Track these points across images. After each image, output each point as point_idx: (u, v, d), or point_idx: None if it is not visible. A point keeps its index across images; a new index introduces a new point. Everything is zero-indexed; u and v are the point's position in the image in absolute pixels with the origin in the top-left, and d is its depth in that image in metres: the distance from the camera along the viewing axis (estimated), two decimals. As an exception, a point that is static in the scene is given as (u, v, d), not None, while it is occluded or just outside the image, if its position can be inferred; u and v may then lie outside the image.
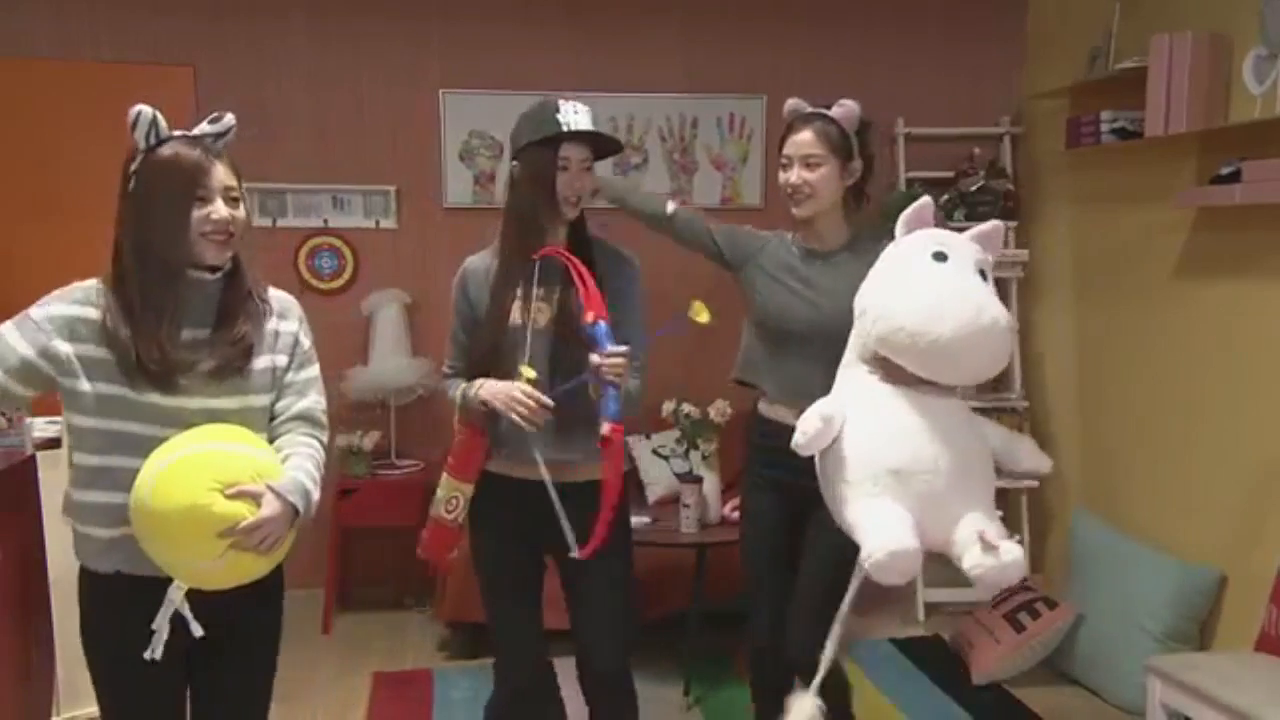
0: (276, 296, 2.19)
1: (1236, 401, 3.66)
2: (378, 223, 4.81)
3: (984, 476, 2.35)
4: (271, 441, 2.09)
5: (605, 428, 2.38)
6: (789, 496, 2.76)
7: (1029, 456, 2.42)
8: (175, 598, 1.97)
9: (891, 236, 2.43)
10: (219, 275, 2.08)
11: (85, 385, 1.97)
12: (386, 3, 4.75)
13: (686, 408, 4.02)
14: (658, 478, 4.62)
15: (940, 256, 2.31)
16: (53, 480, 2.87)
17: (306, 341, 2.20)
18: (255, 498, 1.91)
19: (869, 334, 2.36)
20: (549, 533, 2.53)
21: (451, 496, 2.56)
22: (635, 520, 4.04)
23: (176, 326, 2.00)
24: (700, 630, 4.03)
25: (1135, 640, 3.67)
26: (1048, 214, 4.83)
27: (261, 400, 2.09)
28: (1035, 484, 4.67)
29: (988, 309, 2.23)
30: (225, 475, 1.90)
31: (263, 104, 4.63)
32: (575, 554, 2.48)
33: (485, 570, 2.71)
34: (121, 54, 4.48)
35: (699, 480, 3.99)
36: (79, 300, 2.03)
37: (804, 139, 2.72)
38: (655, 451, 4.68)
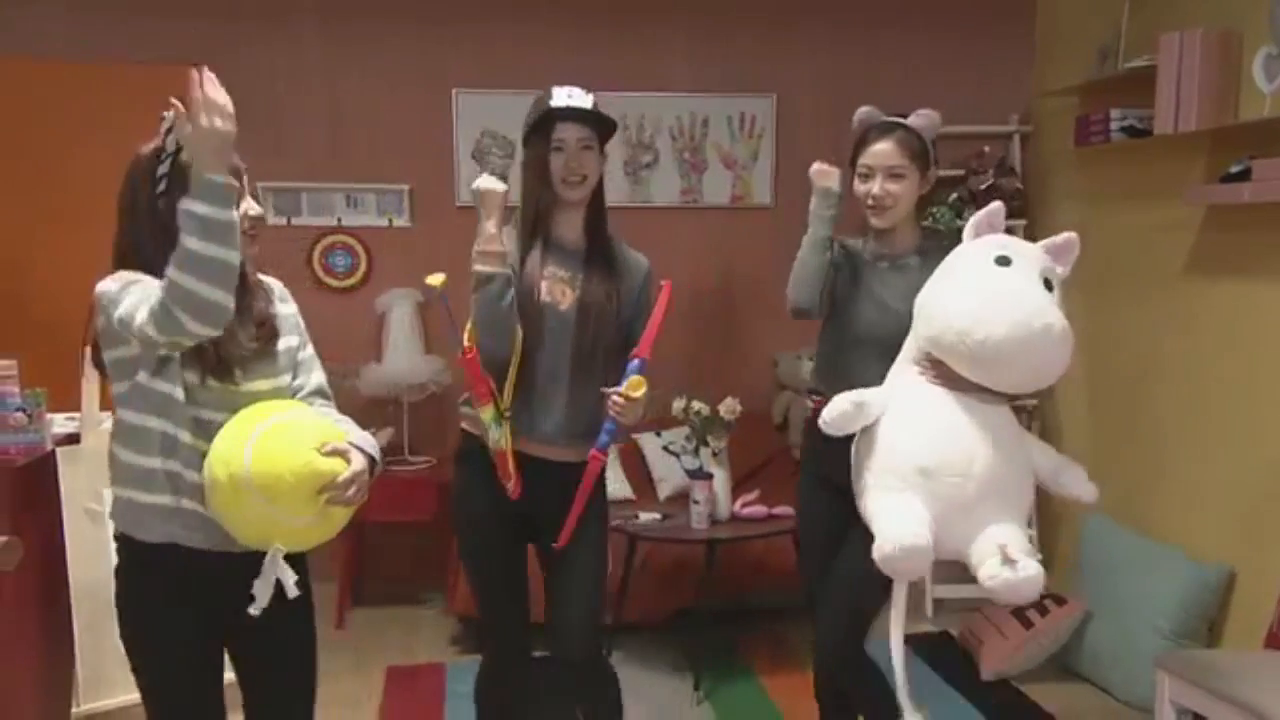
0: (270, 282, 2.27)
1: (1246, 399, 3.66)
2: (391, 221, 4.83)
3: (1019, 490, 2.35)
4: None
5: (593, 450, 2.53)
6: (845, 499, 2.67)
7: (1074, 483, 2.41)
8: (279, 559, 2.04)
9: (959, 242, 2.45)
10: None
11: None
12: (399, 4, 4.77)
13: (697, 405, 4.04)
14: (668, 474, 4.64)
15: (1003, 261, 2.32)
16: (71, 475, 2.90)
17: (302, 320, 2.30)
18: (344, 454, 2.03)
19: (923, 336, 2.38)
20: (533, 519, 2.62)
21: (484, 428, 2.56)
22: (646, 517, 4.08)
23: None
24: (710, 625, 4.05)
25: (1144, 637, 3.67)
26: (1057, 212, 4.83)
27: (285, 380, 2.19)
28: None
29: (1042, 315, 2.23)
30: (320, 436, 2.02)
31: (276, 104, 4.65)
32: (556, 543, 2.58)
33: (468, 552, 2.75)
34: (135, 54, 4.50)
35: (709, 477, 4.00)
36: (134, 277, 2.04)
37: (886, 150, 2.63)
38: (666, 449, 4.69)
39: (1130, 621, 3.76)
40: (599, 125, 2.61)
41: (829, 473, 2.69)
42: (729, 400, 4.08)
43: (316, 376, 2.27)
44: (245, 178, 2.12)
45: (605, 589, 2.77)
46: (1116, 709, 3.75)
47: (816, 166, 2.71)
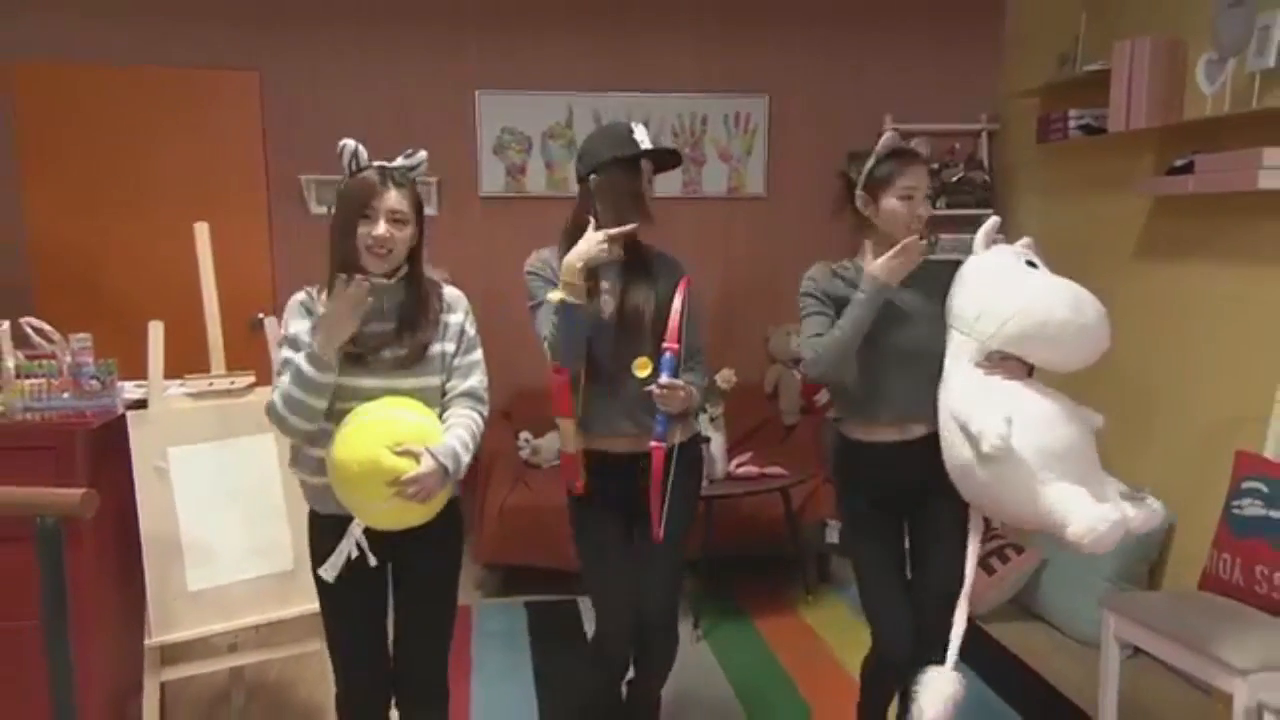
0: (448, 293, 2.37)
1: (1187, 368, 3.69)
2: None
3: (1094, 443, 2.43)
4: (443, 413, 2.27)
5: (652, 442, 2.51)
6: (893, 510, 2.64)
7: (1091, 416, 2.47)
8: (355, 532, 2.20)
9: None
10: (398, 280, 2.27)
11: None
12: (428, 13, 4.79)
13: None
14: (670, 438, 4.67)
15: (1032, 265, 2.46)
16: (140, 436, 2.91)
17: (471, 330, 2.35)
18: (416, 456, 2.10)
19: (995, 335, 2.40)
20: (634, 503, 2.60)
21: (565, 438, 2.61)
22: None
23: (362, 320, 2.20)
24: (708, 572, 4.09)
25: (1092, 581, 3.70)
26: (1021, 202, 4.84)
27: (434, 381, 2.27)
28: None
29: (1099, 303, 2.41)
30: (395, 436, 2.10)
31: (319, 103, 4.69)
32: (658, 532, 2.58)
33: (584, 530, 2.70)
34: (195, 60, 4.54)
35: (707, 441, 3.99)
36: (299, 314, 2.27)
37: (921, 173, 2.52)
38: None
39: (1080, 568, 3.79)
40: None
41: (872, 489, 2.62)
42: (725, 371, 4.11)
43: (471, 382, 2.30)
44: (381, 199, 2.24)
45: (683, 564, 2.74)
46: (1067, 645, 3.80)
47: (892, 263, 2.45)
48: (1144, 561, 3.74)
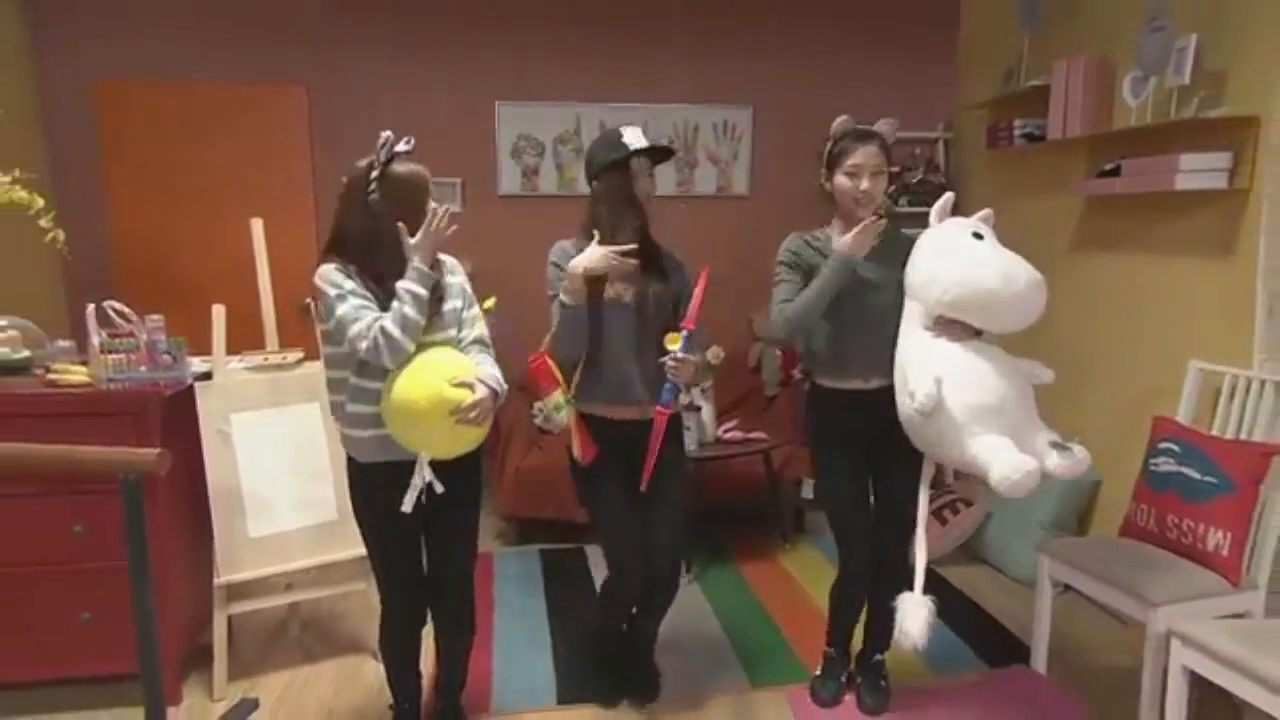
0: (445, 258, 2.40)
1: (1114, 347, 3.72)
2: (447, 208, 4.87)
3: (1031, 397, 2.40)
4: None
5: (657, 407, 2.54)
6: (860, 448, 2.66)
7: (1040, 373, 2.44)
8: (425, 469, 2.24)
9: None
10: None
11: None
12: (453, 34, 4.79)
13: (688, 352, 4.09)
14: (665, 407, 4.69)
15: (979, 236, 2.39)
16: (206, 404, 2.93)
17: (468, 287, 2.42)
18: (471, 386, 2.16)
19: (938, 301, 2.37)
20: (633, 465, 2.63)
21: (549, 413, 2.60)
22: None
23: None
24: (699, 524, 4.11)
25: (1030, 530, 3.75)
26: (972, 201, 4.83)
27: (452, 333, 2.33)
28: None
29: (1034, 270, 2.33)
30: (451, 371, 2.17)
31: (360, 111, 4.71)
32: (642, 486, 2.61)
33: (598, 493, 2.67)
34: (252, 77, 4.56)
35: (699, 409, 4.06)
36: (341, 276, 2.23)
37: (872, 152, 2.50)
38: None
39: (1020, 519, 3.83)
40: (655, 154, 2.59)
41: (840, 425, 2.64)
42: (714, 348, 4.12)
43: (477, 330, 2.38)
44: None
45: (684, 520, 2.70)
46: (1008, 584, 3.83)
47: (856, 239, 2.47)
48: (1074, 514, 3.78)
